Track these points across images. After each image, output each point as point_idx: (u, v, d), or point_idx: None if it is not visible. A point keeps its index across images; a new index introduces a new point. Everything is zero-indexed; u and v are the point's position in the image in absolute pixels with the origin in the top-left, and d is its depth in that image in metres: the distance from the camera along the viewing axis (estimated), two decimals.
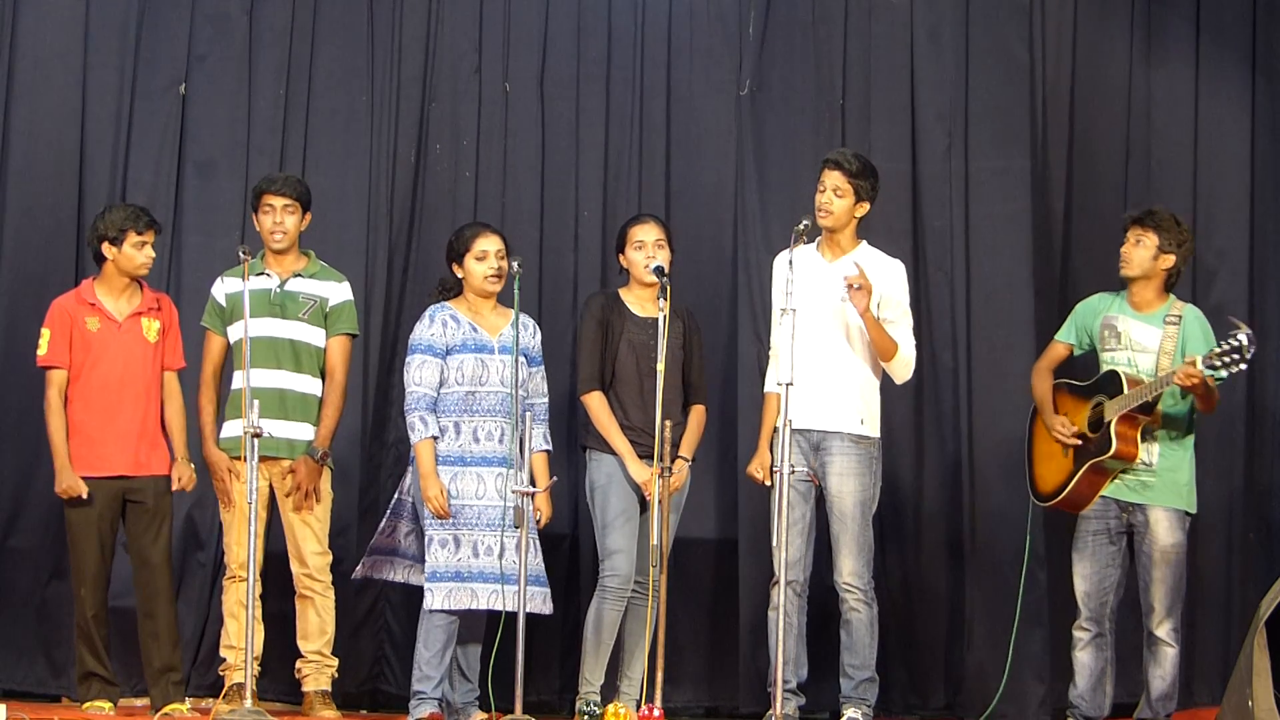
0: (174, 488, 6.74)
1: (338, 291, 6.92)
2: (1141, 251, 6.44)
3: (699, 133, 7.92)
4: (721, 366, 7.62)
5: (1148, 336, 6.43)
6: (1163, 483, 6.38)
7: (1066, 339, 6.65)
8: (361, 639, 7.51)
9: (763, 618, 6.63)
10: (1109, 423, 6.32)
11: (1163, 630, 6.37)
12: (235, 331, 6.77)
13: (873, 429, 6.53)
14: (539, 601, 6.37)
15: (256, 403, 6.03)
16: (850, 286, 6.34)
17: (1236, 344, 6.04)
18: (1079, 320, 6.63)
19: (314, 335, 6.86)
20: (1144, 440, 6.35)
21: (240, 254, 6.29)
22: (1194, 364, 6.12)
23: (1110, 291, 6.64)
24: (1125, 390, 6.30)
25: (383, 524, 6.64)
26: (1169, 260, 6.44)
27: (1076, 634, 6.51)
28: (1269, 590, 6.12)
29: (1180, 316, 6.41)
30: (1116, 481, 6.42)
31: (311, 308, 6.85)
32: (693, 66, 7.95)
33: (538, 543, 6.43)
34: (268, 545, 6.82)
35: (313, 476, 6.77)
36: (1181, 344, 6.36)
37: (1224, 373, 6.09)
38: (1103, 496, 6.45)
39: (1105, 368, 6.48)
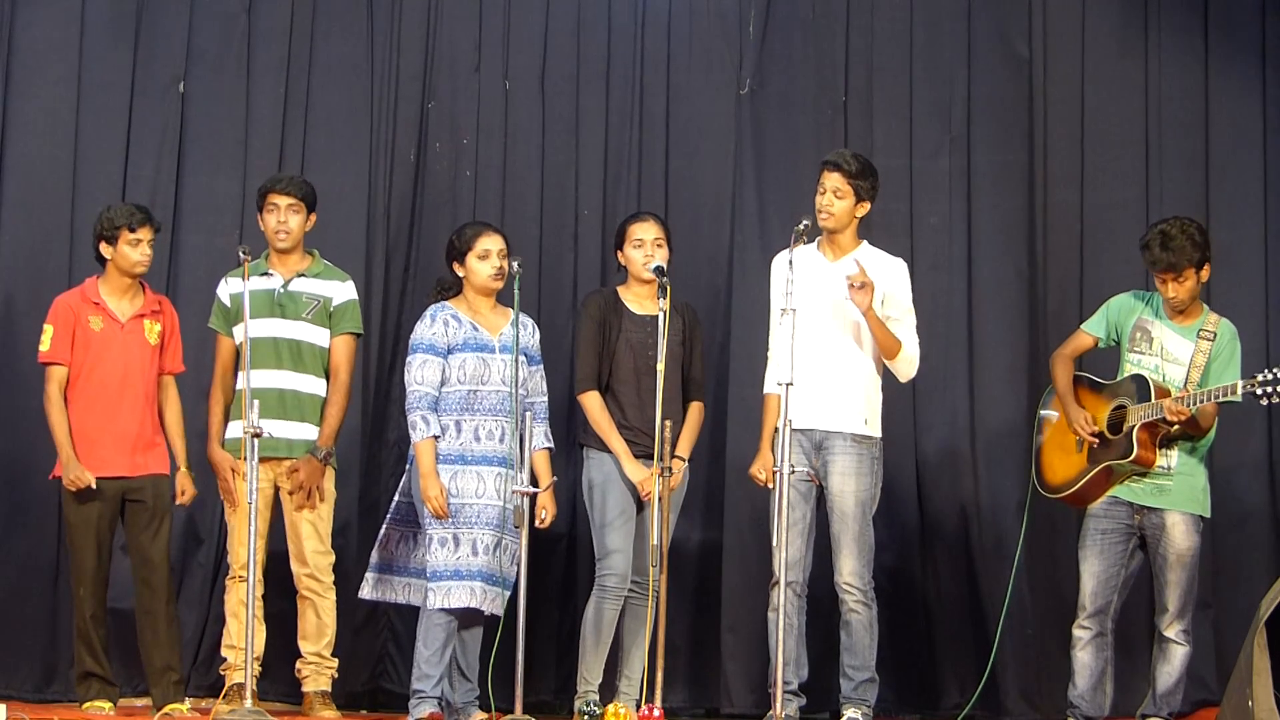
0: (177, 501, 6.76)
1: (342, 291, 6.93)
2: (1187, 284, 6.36)
3: (699, 131, 7.91)
4: (715, 367, 7.62)
5: (1180, 348, 6.41)
6: (1180, 488, 6.37)
7: (1095, 331, 6.61)
8: (365, 637, 7.51)
9: (755, 618, 6.62)
10: (1132, 428, 6.31)
11: (1173, 631, 6.37)
12: (240, 332, 6.77)
13: (875, 429, 6.52)
14: (496, 601, 6.36)
15: (256, 403, 6.03)
16: (852, 285, 6.34)
17: (1275, 375, 6.08)
18: (1112, 316, 6.58)
19: (318, 335, 6.87)
20: (1161, 447, 6.35)
21: (240, 254, 6.29)
22: (1184, 399, 6.16)
23: (1143, 290, 6.60)
24: (1154, 398, 6.29)
25: (381, 533, 6.64)
26: (1205, 275, 6.41)
27: (1077, 633, 6.49)
28: (1269, 590, 6.13)
29: (1215, 333, 6.39)
30: (1132, 485, 6.41)
31: (315, 308, 6.86)
32: (693, 65, 7.94)
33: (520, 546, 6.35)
34: (270, 545, 6.82)
35: (316, 475, 6.78)
36: (1209, 361, 6.36)
37: (1265, 401, 6.10)
38: (1114, 497, 6.44)
39: (1130, 369, 6.45)
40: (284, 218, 6.87)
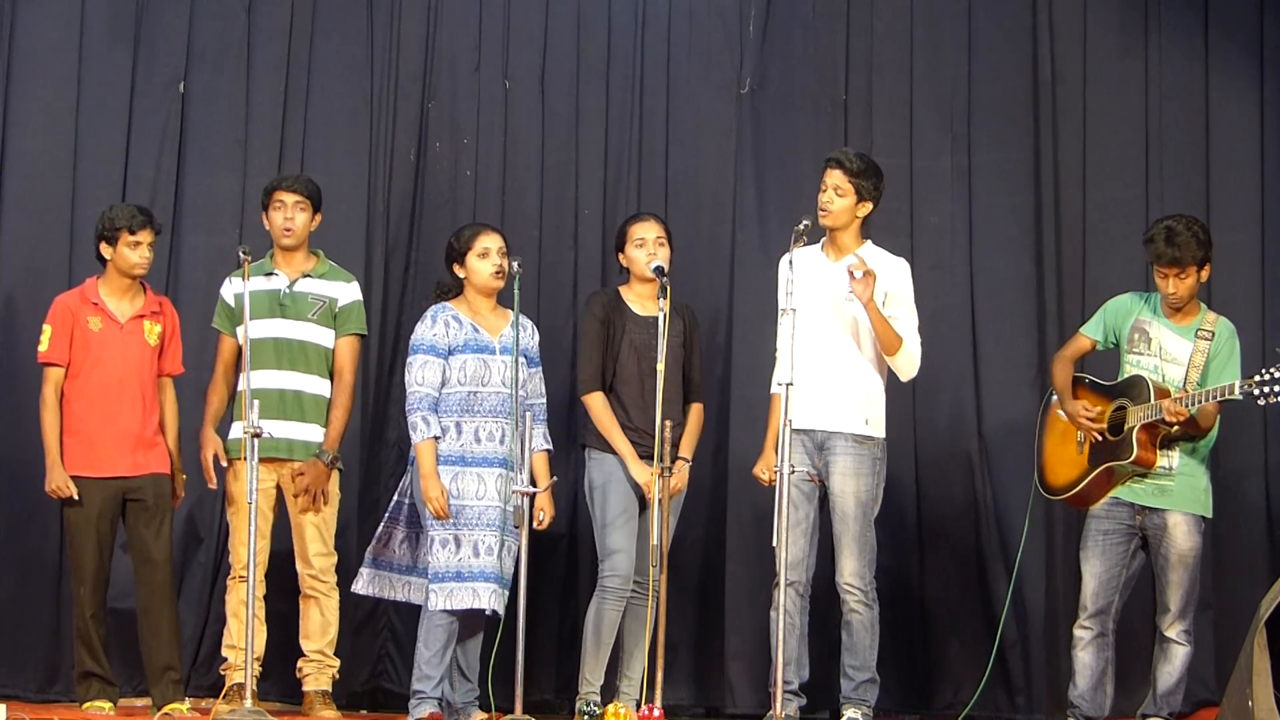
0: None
1: (347, 291, 6.94)
2: (1187, 282, 6.36)
3: (699, 131, 7.91)
4: (718, 366, 7.62)
5: (1179, 348, 6.41)
6: (1181, 488, 6.37)
7: (1093, 334, 6.60)
8: (364, 637, 7.52)
9: (757, 617, 6.62)
10: (1131, 429, 6.31)
11: (1174, 631, 6.37)
12: (243, 332, 6.79)
13: (877, 429, 6.51)
14: (496, 599, 6.36)
15: (256, 403, 6.04)
16: (853, 275, 6.32)
17: (1272, 375, 6.07)
18: (1109, 318, 6.58)
19: (323, 336, 6.87)
20: (1162, 447, 6.34)
21: (240, 254, 6.30)
22: (1183, 399, 6.16)
23: (1141, 291, 6.60)
24: (1152, 400, 6.29)
25: (380, 529, 6.65)
26: (1205, 275, 6.42)
27: (1078, 633, 6.49)
28: (1269, 590, 6.13)
29: (1213, 332, 6.39)
30: (1134, 485, 6.40)
31: (320, 308, 6.87)
32: (693, 64, 7.94)
33: (520, 546, 6.35)
34: (272, 545, 6.83)
35: (321, 479, 6.79)
36: (1209, 360, 6.36)
37: (1262, 401, 6.10)
38: (1115, 497, 6.43)
39: (1129, 370, 6.45)
40: (290, 215, 6.87)
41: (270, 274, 6.86)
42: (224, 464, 6.78)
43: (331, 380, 6.89)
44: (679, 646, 7.47)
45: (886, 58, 7.81)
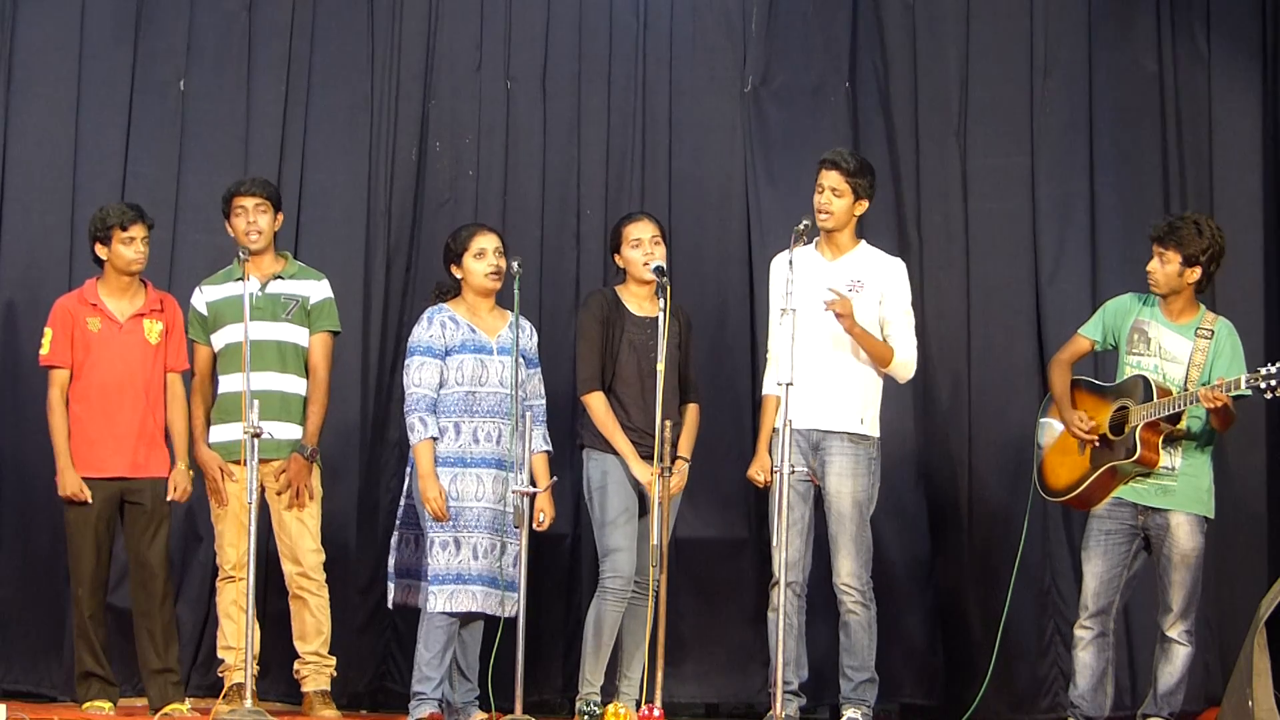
0: (169, 496, 6.74)
1: (318, 289, 6.93)
2: (1167, 269, 6.35)
3: (702, 129, 7.90)
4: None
5: (1179, 347, 6.39)
6: (1184, 488, 6.35)
7: (1092, 335, 6.59)
8: (368, 637, 7.52)
9: (763, 616, 6.63)
10: (1134, 428, 6.29)
11: (1175, 631, 6.36)
12: (218, 339, 6.82)
13: (872, 428, 6.51)
14: (507, 603, 6.34)
15: (256, 403, 6.04)
16: (835, 313, 6.33)
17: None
18: (1107, 319, 6.57)
19: (299, 335, 6.88)
20: (1165, 447, 6.33)
21: (239, 254, 6.29)
22: (1221, 386, 6.13)
23: (1141, 293, 6.58)
24: (1155, 397, 6.27)
25: (395, 537, 6.62)
26: (1194, 274, 6.37)
27: (1078, 633, 6.48)
28: (1269, 590, 6.13)
29: (1213, 331, 6.38)
30: (1136, 485, 6.38)
31: (294, 308, 6.86)
32: (695, 62, 7.94)
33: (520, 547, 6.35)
34: (258, 545, 6.80)
35: (303, 474, 6.78)
36: (1211, 358, 6.34)
37: (1269, 395, 6.08)
38: (1118, 498, 6.42)
39: (1130, 371, 6.43)
40: (253, 218, 6.87)
41: (240, 279, 6.83)
42: (232, 477, 6.75)
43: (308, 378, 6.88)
44: (681, 645, 7.45)
45: (888, 56, 7.80)
